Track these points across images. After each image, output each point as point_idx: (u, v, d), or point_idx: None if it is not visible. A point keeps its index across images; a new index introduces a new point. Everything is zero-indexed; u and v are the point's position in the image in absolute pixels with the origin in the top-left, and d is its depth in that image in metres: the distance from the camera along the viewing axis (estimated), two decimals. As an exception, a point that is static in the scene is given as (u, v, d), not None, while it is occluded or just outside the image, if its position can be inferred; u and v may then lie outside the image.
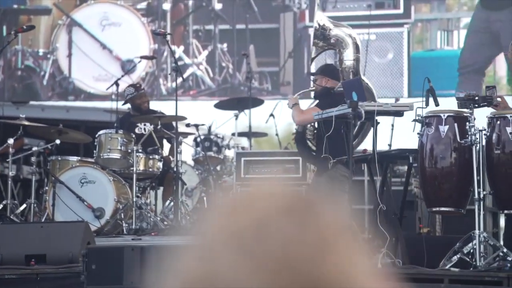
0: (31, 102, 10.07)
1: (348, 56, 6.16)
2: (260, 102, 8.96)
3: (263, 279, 0.80)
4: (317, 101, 6.08)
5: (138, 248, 4.30)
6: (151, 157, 7.23)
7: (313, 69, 6.55)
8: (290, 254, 0.81)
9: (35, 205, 7.04)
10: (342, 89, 6.07)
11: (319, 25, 6.14)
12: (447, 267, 5.32)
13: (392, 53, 9.59)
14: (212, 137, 8.77)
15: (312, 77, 6.41)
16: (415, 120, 5.64)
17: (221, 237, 0.83)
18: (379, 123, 5.85)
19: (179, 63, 9.85)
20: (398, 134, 6.92)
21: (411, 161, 5.85)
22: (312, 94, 6.59)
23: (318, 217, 0.86)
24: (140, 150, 7.14)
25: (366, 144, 6.53)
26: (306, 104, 6.80)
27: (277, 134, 8.99)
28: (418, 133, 5.69)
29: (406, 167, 6.62)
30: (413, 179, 7.09)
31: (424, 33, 9.63)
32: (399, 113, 5.83)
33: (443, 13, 9.57)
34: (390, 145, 7.33)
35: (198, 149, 8.56)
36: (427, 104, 5.64)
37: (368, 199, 8.15)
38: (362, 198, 8.64)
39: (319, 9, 6.13)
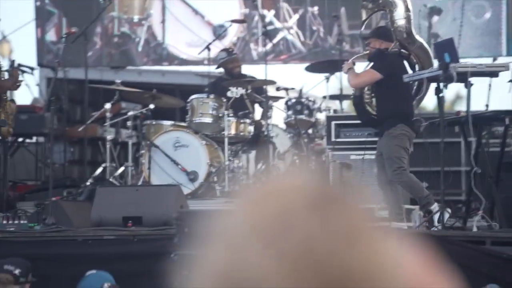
0: (128, 67, 10.33)
1: (399, 16, 6.00)
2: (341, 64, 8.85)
3: (287, 271, 0.81)
4: (372, 63, 5.98)
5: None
6: (242, 121, 7.30)
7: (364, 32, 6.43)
8: (314, 247, 0.82)
9: (132, 168, 7.27)
10: (396, 49, 5.95)
11: None
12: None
13: (490, 12, 9.25)
14: (303, 100, 8.74)
15: (365, 41, 6.30)
16: (511, 81, 5.47)
17: (245, 228, 0.85)
18: (472, 84, 5.70)
19: (270, 27, 9.86)
20: (496, 94, 6.72)
21: (507, 123, 5.69)
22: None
23: (343, 210, 0.86)
24: (231, 114, 7.23)
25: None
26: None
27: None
28: (515, 94, 5.51)
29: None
30: (512, 140, 6.89)
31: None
32: (494, 74, 5.66)
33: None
34: (487, 106, 7.13)
35: (289, 112, 8.57)
36: (524, 64, 5.45)
37: (465, 161, 7.98)
38: (458, 160, 8.47)
39: None
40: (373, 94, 6.10)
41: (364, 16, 6.00)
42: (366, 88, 6.04)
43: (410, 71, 6.02)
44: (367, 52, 6.16)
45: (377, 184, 6.28)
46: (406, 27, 5.99)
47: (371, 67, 5.91)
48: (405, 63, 6.04)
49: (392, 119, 5.91)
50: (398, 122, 5.91)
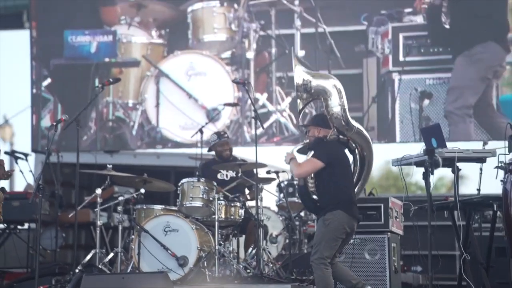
0: (121, 152, 10.41)
1: (334, 103, 6.14)
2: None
3: None
4: (312, 152, 6.04)
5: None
6: (232, 204, 7.31)
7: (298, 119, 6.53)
8: None
9: (121, 254, 7.23)
10: (334, 136, 6.03)
11: (299, 82, 6.15)
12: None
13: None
14: (295, 182, 8.79)
15: (304, 129, 6.40)
16: (498, 167, 5.50)
17: None
18: (460, 169, 5.74)
19: (263, 110, 9.99)
20: (488, 179, 6.74)
21: (495, 209, 5.70)
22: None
23: None
24: (221, 198, 7.24)
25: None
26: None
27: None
28: (501, 180, 5.54)
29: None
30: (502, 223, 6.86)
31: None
32: (481, 160, 5.71)
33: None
34: (479, 190, 7.14)
35: (281, 195, 8.58)
36: (510, 150, 5.50)
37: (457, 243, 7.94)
38: (452, 244, 8.42)
39: (297, 63, 6.15)
40: (316, 183, 6.12)
41: (299, 107, 6.12)
42: (309, 177, 6.07)
43: (350, 156, 6.11)
44: (307, 141, 6.23)
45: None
46: (342, 115, 6.11)
47: (312, 156, 5.96)
48: (345, 149, 6.14)
49: (332, 205, 5.91)
50: (336, 209, 5.90)
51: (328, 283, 5.89)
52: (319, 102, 6.62)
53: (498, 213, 5.91)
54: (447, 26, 9.46)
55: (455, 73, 9.43)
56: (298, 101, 6.11)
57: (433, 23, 9.55)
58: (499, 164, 5.50)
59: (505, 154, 5.51)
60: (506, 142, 5.52)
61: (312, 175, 6.04)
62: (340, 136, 6.07)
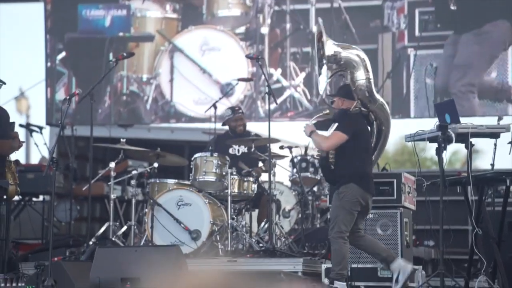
0: (135, 126, 10.44)
1: (360, 76, 6.16)
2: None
3: None
4: (336, 123, 6.03)
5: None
6: (245, 179, 7.33)
7: (321, 91, 6.51)
8: None
9: (135, 227, 7.29)
10: (357, 108, 6.03)
11: (331, 54, 6.19)
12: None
13: (496, 72, 9.31)
14: (308, 157, 8.79)
15: (328, 100, 6.41)
16: (511, 143, 5.48)
17: None
18: (473, 145, 5.72)
19: (277, 85, 9.97)
20: (503, 153, 6.70)
21: (508, 184, 5.68)
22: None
23: None
24: (234, 172, 7.26)
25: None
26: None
27: (374, 155, 8.89)
28: (514, 155, 5.52)
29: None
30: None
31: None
32: (495, 135, 5.68)
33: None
34: (492, 165, 7.11)
35: (294, 170, 8.59)
36: (523, 126, 5.47)
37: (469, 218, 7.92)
38: (465, 219, 8.40)
39: (328, 38, 6.15)
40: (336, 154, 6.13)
41: (327, 77, 6.12)
42: (331, 151, 6.08)
43: (369, 129, 6.14)
44: (327, 112, 6.20)
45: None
46: (367, 86, 6.12)
47: (337, 128, 5.96)
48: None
49: (346, 178, 5.93)
50: (349, 182, 5.92)
51: (344, 257, 5.94)
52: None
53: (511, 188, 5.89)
54: (453, 7, 9.36)
55: (461, 51, 9.34)
56: (326, 72, 6.10)
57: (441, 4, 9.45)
58: (512, 140, 5.47)
59: (519, 130, 5.48)
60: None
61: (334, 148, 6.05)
62: (362, 109, 6.06)
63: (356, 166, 5.94)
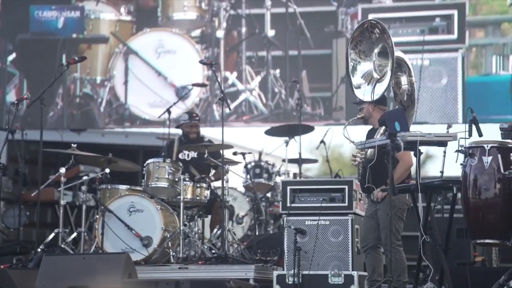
0: (88, 130, 10.33)
1: (404, 80, 6.15)
2: (311, 128, 8.95)
3: None
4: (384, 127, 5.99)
5: (173, 282, 4.35)
6: (198, 185, 7.30)
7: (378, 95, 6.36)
8: None
9: (85, 233, 7.21)
10: None
11: (398, 56, 6.12)
12: (492, 302, 5.19)
13: (446, 79, 9.45)
14: (262, 163, 8.81)
15: (359, 106, 6.38)
16: (458, 151, 5.56)
17: None
18: (422, 153, 5.77)
19: (232, 89, 9.97)
20: (452, 161, 6.79)
21: (455, 191, 5.76)
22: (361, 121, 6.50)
23: None
24: (187, 179, 7.23)
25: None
26: (355, 129, 6.70)
27: (327, 161, 8.96)
28: (461, 164, 5.59)
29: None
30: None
31: (479, 58, 9.46)
32: (442, 143, 5.74)
33: (498, 38, 9.38)
34: (442, 172, 7.20)
35: (248, 176, 8.60)
36: (470, 135, 5.55)
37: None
38: (415, 225, 8.51)
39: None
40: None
41: (387, 81, 5.97)
42: (372, 155, 6.02)
43: None
44: (362, 116, 6.21)
45: (361, 246, 6.31)
46: (408, 90, 6.13)
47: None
48: None
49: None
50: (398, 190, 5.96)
51: (406, 265, 6.07)
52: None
53: (459, 195, 5.98)
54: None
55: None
56: (388, 73, 5.94)
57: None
58: (459, 148, 5.55)
59: (465, 138, 5.56)
60: (467, 126, 5.57)
61: (372, 153, 5.93)
62: None
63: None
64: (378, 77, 6.11)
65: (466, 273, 5.83)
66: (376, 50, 6.17)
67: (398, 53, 6.17)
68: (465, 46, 9.41)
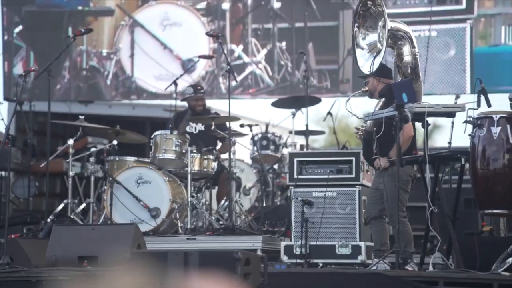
0: (96, 102, 10.34)
1: (406, 52, 6.11)
2: (318, 100, 8.93)
3: None
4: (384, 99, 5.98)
5: (182, 253, 4.39)
6: (205, 157, 7.32)
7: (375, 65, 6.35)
8: None
9: (94, 204, 7.25)
10: None
11: (391, 27, 6.10)
12: (498, 271, 5.21)
13: (454, 49, 9.40)
14: (269, 135, 8.82)
15: (364, 79, 6.36)
16: (466, 122, 5.55)
17: None
18: (429, 124, 5.78)
19: (238, 62, 9.94)
20: (460, 131, 6.79)
21: (463, 162, 5.76)
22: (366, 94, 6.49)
23: None
24: (194, 150, 7.24)
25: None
26: (360, 102, 6.71)
27: (334, 132, 8.96)
28: (469, 135, 5.59)
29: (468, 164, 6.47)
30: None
31: (488, 28, 9.40)
32: (450, 114, 5.74)
33: (508, 7, 9.31)
34: (450, 143, 7.20)
35: (255, 148, 8.61)
36: (478, 105, 5.54)
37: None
38: (423, 196, 8.53)
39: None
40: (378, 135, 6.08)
41: (382, 51, 5.97)
42: (373, 126, 6.05)
43: None
44: (366, 89, 6.19)
45: (365, 217, 6.34)
46: (412, 63, 6.09)
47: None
48: None
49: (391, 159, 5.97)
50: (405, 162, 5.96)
51: (412, 237, 6.06)
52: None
53: (467, 165, 5.99)
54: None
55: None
56: (379, 45, 5.97)
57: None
58: (468, 119, 5.54)
59: (474, 109, 5.55)
60: (475, 97, 5.56)
61: (372, 124, 5.97)
62: None
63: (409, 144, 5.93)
64: (381, 48, 6.10)
65: (473, 243, 5.85)
66: (380, 23, 6.15)
67: (399, 24, 6.15)
68: (473, 16, 9.35)
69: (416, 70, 6.13)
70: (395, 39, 6.12)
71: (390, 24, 6.04)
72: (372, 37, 6.24)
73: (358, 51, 6.24)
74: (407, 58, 6.10)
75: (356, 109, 6.23)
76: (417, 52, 6.15)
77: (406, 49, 6.12)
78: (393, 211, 5.99)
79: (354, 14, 6.28)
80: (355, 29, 6.24)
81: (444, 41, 9.41)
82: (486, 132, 5.46)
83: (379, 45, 6.13)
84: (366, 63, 6.26)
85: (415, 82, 6.08)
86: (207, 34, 7.85)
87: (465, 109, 5.60)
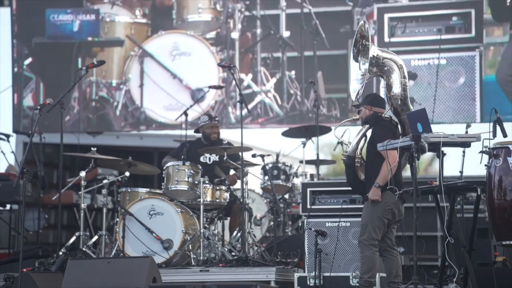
0: (104, 132, 10.34)
1: (395, 82, 6.11)
2: (328, 129, 8.92)
3: None
4: (367, 126, 6.02)
5: (200, 286, 4.34)
6: (217, 188, 7.29)
7: (354, 92, 6.41)
8: None
9: (106, 236, 7.21)
10: (388, 117, 6.05)
11: (373, 56, 6.15)
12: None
13: (464, 78, 9.41)
14: (280, 165, 8.79)
15: (356, 108, 6.39)
16: (482, 152, 5.53)
17: None
18: (445, 154, 5.75)
19: (248, 91, 9.96)
20: (470, 160, 6.76)
21: (479, 193, 5.73)
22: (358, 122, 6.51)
23: None
24: (207, 181, 7.22)
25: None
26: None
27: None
28: (485, 165, 5.56)
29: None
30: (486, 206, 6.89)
31: (497, 57, 9.42)
32: (466, 144, 5.72)
33: (516, 36, 9.34)
34: (461, 172, 7.18)
35: (266, 177, 8.59)
36: (494, 135, 5.52)
37: (440, 226, 7.98)
38: (434, 225, 8.49)
39: (372, 45, 6.12)
40: (362, 161, 6.12)
41: (364, 79, 6.05)
42: (358, 152, 6.07)
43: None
44: (357, 117, 6.22)
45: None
46: (401, 94, 6.10)
47: (376, 134, 5.92)
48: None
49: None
50: (384, 190, 5.92)
51: (375, 265, 5.97)
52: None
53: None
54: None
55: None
56: (361, 75, 6.03)
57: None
58: (484, 149, 5.52)
59: (489, 139, 5.53)
60: (490, 127, 5.55)
61: (361, 152, 6.02)
62: (393, 118, 6.04)
63: (392, 174, 5.90)
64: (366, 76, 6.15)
65: (486, 273, 5.80)
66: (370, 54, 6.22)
67: (387, 54, 6.18)
68: (482, 44, 9.37)
69: (405, 101, 6.12)
70: (381, 67, 6.12)
71: (376, 52, 6.09)
72: (365, 66, 6.29)
73: (352, 82, 6.30)
74: (397, 89, 6.10)
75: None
76: (407, 82, 6.14)
77: (395, 80, 6.11)
78: (362, 235, 5.96)
79: (353, 42, 6.35)
80: (355, 58, 6.29)
81: (454, 69, 9.43)
82: (503, 162, 5.44)
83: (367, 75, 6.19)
84: (353, 92, 6.32)
85: (404, 113, 6.09)
86: (219, 65, 7.87)
87: (480, 139, 5.58)
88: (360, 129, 6.12)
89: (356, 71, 6.27)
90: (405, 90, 6.12)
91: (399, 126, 6.17)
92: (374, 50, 6.07)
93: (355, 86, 6.28)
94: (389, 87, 6.10)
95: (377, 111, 6.12)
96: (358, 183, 6.13)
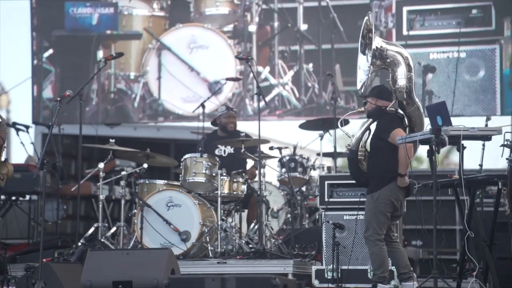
0: (121, 124, 10.38)
1: (401, 75, 6.06)
2: (346, 122, 8.89)
3: None
4: (371, 120, 5.99)
5: (219, 279, 4.35)
6: (235, 180, 7.30)
7: (360, 84, 6.38)
8: None
9: (124, 228, 7.24)
10: (393, 109, 6.01)
11: (376, 47, 6.10)
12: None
13: (484, 71, 9.34)
14: (297, 157, 8.78)
15: (363, 100, 6.36)
16: (504, 145, 5.49)
17: None
18: (465, 147, 5.72)
19: (265, 83, 9.95)
20: (489, 152, 6.72)
21: (500, 186, 5.69)
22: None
23: None
24: (224, 173, 7.23)
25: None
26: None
27: (363, 155, 8.88)
28: (507, 158, 5.53)
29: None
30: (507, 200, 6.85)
31: (517, 50, 9.35)
32: (486, 137, 5.68)
33: (538, 28, 9.26)
34: (481, 166, 7.13)
35: (283, 170, 8.58)
36: (517, 129, 5.48)
37: (459, 220, 7.95)
38: (453, 219, 8.45)
39: (377, 35, 6.07)
40: (366, 153, 6.10)
41: (368, 72, 6.02)
42: (361, 145, 6.05)
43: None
44: (362, 109, 6.19)
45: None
46: (407, 87, 6.04)
47: (381, 128, 5.89)
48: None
49: (379, 179, 5.90)
50: (387, 183, 5.90)
51: (384, 260, 5.94)
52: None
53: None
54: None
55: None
56: (368, 66, 6.01)
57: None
58: (505, 143, 5.48)
59: (511, 132, 5.49)
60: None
61: (365, 144, 5.99)
62: (399, 111, 6.00)
63: (390, 167, 5.88)
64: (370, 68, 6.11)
65: (507, 267, 5.77)
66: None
67: (391, 46, 6.14)
68: (503, 37, 9.29)
69: (411, 94, 6.06)
70: (384, 60, 6.07)
71: (380, 44, 6.05)
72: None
73: (359, 72, 6.27)
74: (402, 81, 6.04)
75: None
76: (413, 75, 6.08)
77: (400, 72, 6.05)
78: (367, 232, 5.94)
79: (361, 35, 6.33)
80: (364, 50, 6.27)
81: (473, 63, 9.36)
82: (524, 155, 5.39)
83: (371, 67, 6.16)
84: (360, 82, 6.29)
85: (410, 106, 6.03)
86: (237, 57, 7.86)
87: (501, 133, 5.54)
88: (363, 122, 6.08)
89: (364, 63, 6.23)
90: (410, 82, 6.06)
91: (405, 119, 6.12)
92: (377, 42, 6.03)
93: (361, 77, 6.25)
94: (394, 80, 6.05)
95: (383, 104, 6.05)
96: (362, 176, 6.09)
